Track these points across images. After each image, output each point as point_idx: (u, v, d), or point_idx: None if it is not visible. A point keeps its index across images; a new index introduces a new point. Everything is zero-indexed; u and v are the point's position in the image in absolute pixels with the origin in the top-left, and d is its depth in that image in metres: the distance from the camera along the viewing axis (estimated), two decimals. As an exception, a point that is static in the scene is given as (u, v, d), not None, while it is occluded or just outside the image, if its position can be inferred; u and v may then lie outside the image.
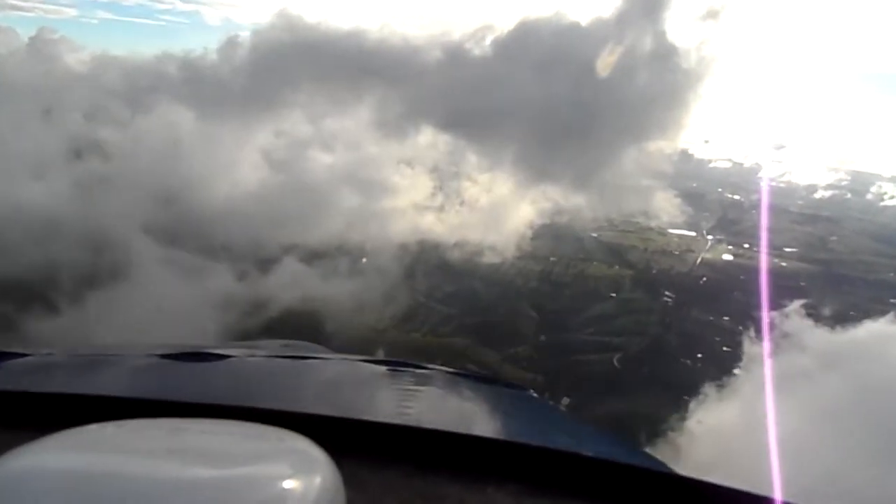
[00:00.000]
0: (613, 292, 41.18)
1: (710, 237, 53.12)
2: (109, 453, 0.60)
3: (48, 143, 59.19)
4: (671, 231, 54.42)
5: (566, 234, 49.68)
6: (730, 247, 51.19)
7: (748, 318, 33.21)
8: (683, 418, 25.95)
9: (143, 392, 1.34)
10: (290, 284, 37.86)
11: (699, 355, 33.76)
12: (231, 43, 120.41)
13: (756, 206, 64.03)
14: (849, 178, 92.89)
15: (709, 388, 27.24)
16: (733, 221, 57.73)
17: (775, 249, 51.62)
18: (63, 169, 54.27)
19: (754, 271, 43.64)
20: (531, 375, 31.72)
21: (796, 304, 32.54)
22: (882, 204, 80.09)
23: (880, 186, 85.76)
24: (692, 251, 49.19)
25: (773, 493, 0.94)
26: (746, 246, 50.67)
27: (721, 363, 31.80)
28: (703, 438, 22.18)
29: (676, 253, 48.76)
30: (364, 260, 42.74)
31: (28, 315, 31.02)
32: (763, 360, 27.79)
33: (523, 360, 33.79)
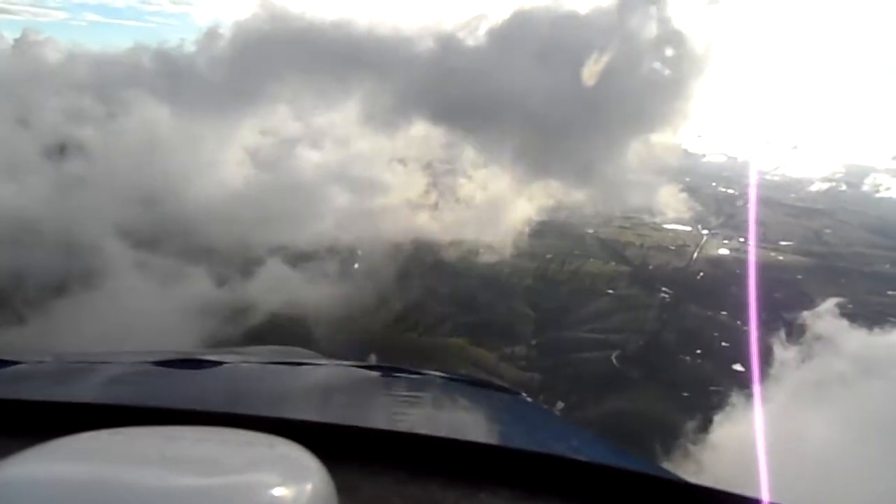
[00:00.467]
0: (610, 289, 41.71)
1: (705, 232, 53.86)
2: (103, 462, 0.61)
3: (22, 144, 58.31)
4: (666, 226, 55.13)
5: (564, 231, 49.94)
6: (725, 241, 52.00)
7: (747, 313, 33.77)
8: (703, 427, 25.19)
9: (136, 399, 1.36)
10: (274, 288, 37.43)
11: (698, 351, 34.28)
12: (212, 35, 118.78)
13: (751, 200, 64.94)
14: (843, 170, 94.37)
15: (731, 395, 25.68)
16: (728, 216, 58.60)
17: (771, 243, 52.68)
18: (37, 170, 53.50)
19: (751, 265, 44.42)
20: (529, 375, 32.07)
21: (830, 303, 31.97)
22: (878, 196, 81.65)
23: (875, 178, 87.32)
24: (688, 246, 49.91)
25: (770, 496, 0.99)
26: (742, 240, 51.55)
27: (720, 359, 32.42)
28: (724, 448, 21.53)
29: (672, 248, 49.46)
30: (356, 264, 42.62)
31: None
32: (789, 363, 27.14)
33: (520, 359, 34.12)
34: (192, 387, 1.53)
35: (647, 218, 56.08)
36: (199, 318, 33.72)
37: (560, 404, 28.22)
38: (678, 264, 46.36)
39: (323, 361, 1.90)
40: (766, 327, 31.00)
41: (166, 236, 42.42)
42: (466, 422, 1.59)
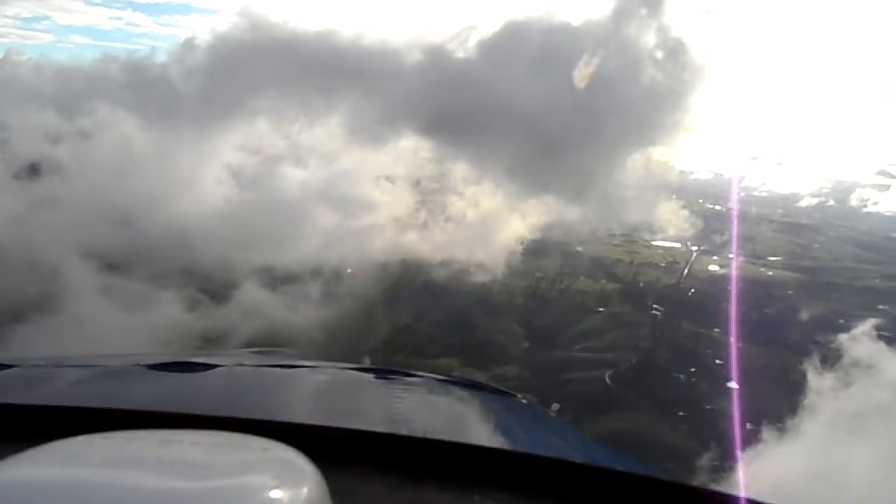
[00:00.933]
0: (601, 307, 42.19)
1: (694, 248, 54.91)
2: (95, 466, 0.61)
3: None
4: (655, 243, 56.11)
5: (553, 249, 50.27)
6: (714, 257, 53.07)
7: (739, 328, 34.37)
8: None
9: (130, 403, 1.39)
10: (251, 313, 36.63)
11: (692, 369, 34.71)
12: (189, 46, 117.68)
13: (739, 216, 66.37)
14: (829, 185, 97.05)
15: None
16: (718, 232, 59.83)
17: (760, 259, 54.01)
18: (4, 189, 52.59)
19: (741, 281, 45.30)
20: (521, 395, 32.15)
21: (868, 325, 30.84)
22: (865, 210, 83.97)
23: (862, 193, 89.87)
24: (678, 263, 50.87)
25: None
26: (731, 256, 52.69)
27: (715, 377, 32.84)
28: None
29: (662, 265, 50.39)
30: (341, 286, 42.04)
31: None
32: (825, 391, 25.43)
33: (512, 379, 34.26)
34: (185, 390, 1.55)
35: (643, 235, 56.67)
36: (165, 347, 31.98)
37: (555, 406, 28.14)
38: (668, 281, 47.19)
39: (317, 364, 1.92)
40: (797, 351, 30.29)
41: (138, 259, 41.60)
42: (461, 424, 1.59)
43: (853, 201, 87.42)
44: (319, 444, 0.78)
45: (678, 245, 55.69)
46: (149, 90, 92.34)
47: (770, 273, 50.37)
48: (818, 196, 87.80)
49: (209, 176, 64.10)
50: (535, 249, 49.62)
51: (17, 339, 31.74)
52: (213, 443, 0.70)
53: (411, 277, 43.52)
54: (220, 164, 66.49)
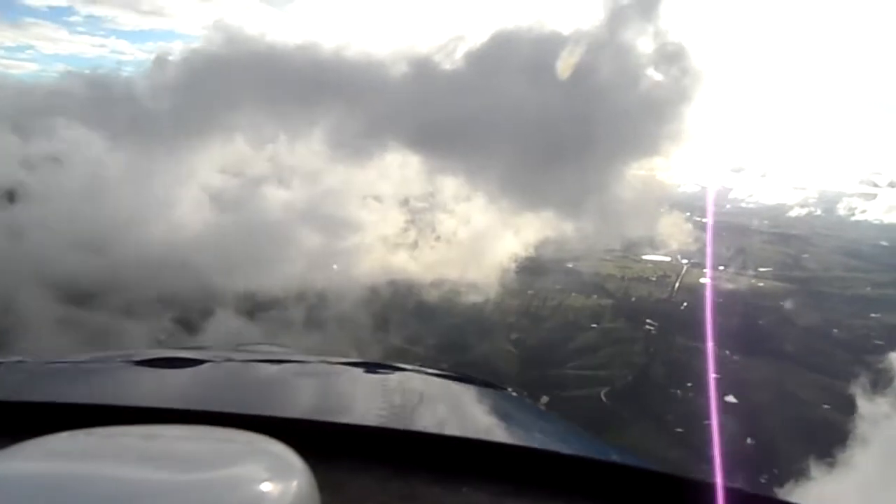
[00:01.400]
0: (594, 323, 42.64)
1: (685, 262, 55.80)
2: (80, 461, 0.62)
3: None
4: (644, 257, 56.94)
5: (544, 266, 50.49)
6: (705, 270, 53.94)
7: (734, 341, 34.93)
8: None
9: (116, 399, 1.40)
10: (225, 343, 35.77)
11: (689, 384, 35.08)
12: (162, 62, 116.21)
13: (727, 228, 67.55)
14: (816, 195, 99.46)
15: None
16: (707, 245, 60.80)
17: (750, 270, 55.07)
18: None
19: (733, 293, 46.18)
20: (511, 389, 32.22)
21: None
22: (853, 219, 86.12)
23: (848, 202, 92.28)
24: (668, 276, 51.67)
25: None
26: (721, 268, 53.71)
27: (711, 391, 33.23)
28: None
29: (653, 279, 51.17)
30: (327, 305, 41.44)
31: None
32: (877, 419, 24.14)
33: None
34: (172, 385, 1.56)
35: (641, 249, 57.21)
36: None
37: (545, 399, 27.85)
38: (660, 295, 47.88)
39: (304, 358, 1.95)
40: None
41: (111, 287, 40.61)
42: (451, 417, 1.61)
43: (840, 210, 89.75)
44: (308, 438, 0.80)
45: (668, 259, 56.54)
46: (118, 109, 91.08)
47: (761, 284, 51.46)
48: (805, 206, 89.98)
49: (185, 197, 63.19)
50: (529, 267, 49.69)
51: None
52: (199, 437, 0.70)
53: (401, 299, 43.21)
54: (197, 185, 65.70)
